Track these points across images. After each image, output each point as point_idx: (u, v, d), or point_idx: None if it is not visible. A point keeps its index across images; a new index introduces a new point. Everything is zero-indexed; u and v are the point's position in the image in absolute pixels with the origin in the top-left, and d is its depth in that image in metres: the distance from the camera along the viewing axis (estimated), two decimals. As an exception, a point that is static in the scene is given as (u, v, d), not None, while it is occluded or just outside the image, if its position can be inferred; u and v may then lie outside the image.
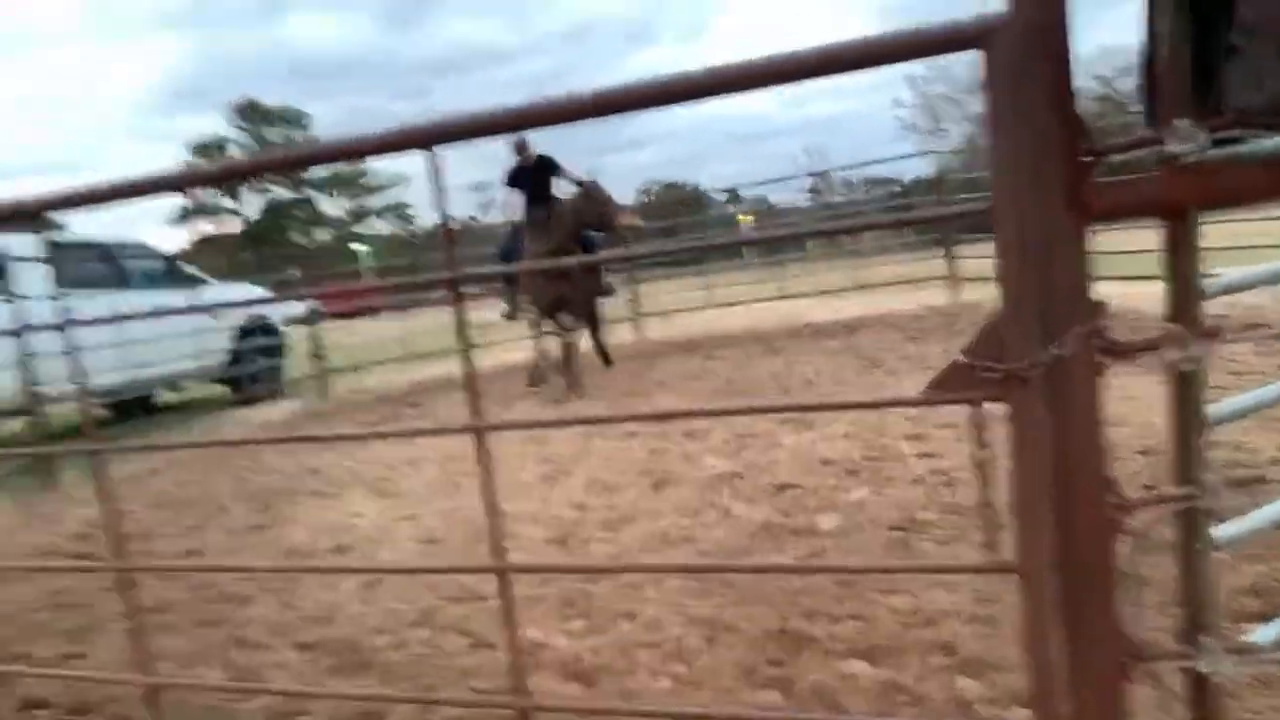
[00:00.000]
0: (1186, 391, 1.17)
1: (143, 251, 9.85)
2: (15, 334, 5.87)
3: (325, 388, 9.53)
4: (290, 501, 4.84)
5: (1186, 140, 1.06)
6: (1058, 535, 1.19)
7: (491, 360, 10.11)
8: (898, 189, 17.86)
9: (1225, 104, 1.09)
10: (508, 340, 11.23)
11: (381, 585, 3.32)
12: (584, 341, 7.85)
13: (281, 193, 60.02)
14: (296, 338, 10.72)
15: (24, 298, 5.84)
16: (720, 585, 2.95)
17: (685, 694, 2.33)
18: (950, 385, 1.15)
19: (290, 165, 1.44)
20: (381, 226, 58.83)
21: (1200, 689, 1.24)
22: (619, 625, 2.78)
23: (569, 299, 7.30)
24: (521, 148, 7.65)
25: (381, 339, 11.22)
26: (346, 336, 12.33)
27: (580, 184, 7.35)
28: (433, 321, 12.87)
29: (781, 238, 10.18)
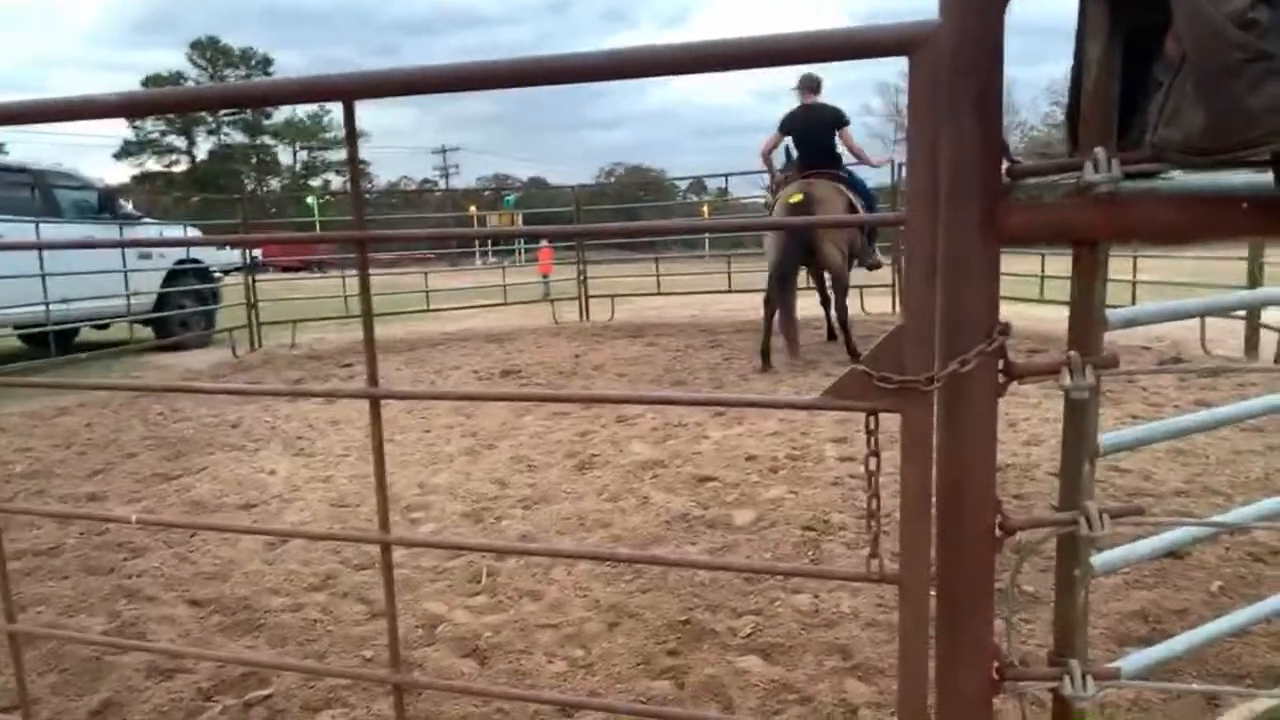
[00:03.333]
0: (1078, 417, 1.18)
1: (75, 182, 9.45)
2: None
3: (256, 340, 9.29)
4: (203, 453, 4.70)
5: (1101, 170, 1.06)
6: (940, 549, 1.20)
7: (444, 327, 10.00)
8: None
9: (1145, 138, 1.10)
10: (459, 308, 11.11)
11: (284, 546, 3.24)
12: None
13: (236, 137, 58.33)
14: (232, 286, 10.43)
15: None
16: (629, 572, 2.94)
17: (578, 678, 2.32)
18: (847, 392, 1.14)
19: (201, 105, 1.37)
20: (337, 181, 57.60)
21: (1064, 708, 1.27)
22: (522, 604, 2.76)
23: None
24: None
25: (322, 296, 10.95)
26: (286, 290, 12.02)
27: None
28: (380, 282, 12.63)
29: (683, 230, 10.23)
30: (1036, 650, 2.29)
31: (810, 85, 6.91)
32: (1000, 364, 1.14)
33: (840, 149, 6.96)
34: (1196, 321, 6.56)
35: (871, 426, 1.17)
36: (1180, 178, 1.20)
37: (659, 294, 11.46)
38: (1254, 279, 6.16)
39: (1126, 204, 1.08)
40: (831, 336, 7.54)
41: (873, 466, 1.18)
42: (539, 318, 10.72)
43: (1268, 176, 1.00)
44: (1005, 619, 1.24)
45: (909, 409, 1.12)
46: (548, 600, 2.78)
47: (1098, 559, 1.27)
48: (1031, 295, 8.46)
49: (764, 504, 3.53)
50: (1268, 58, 0.88)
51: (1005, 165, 1.11)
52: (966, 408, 1.13)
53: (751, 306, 10.70)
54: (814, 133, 6.89)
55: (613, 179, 53.86)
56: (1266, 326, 6.18)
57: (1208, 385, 5.41)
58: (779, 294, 6.50)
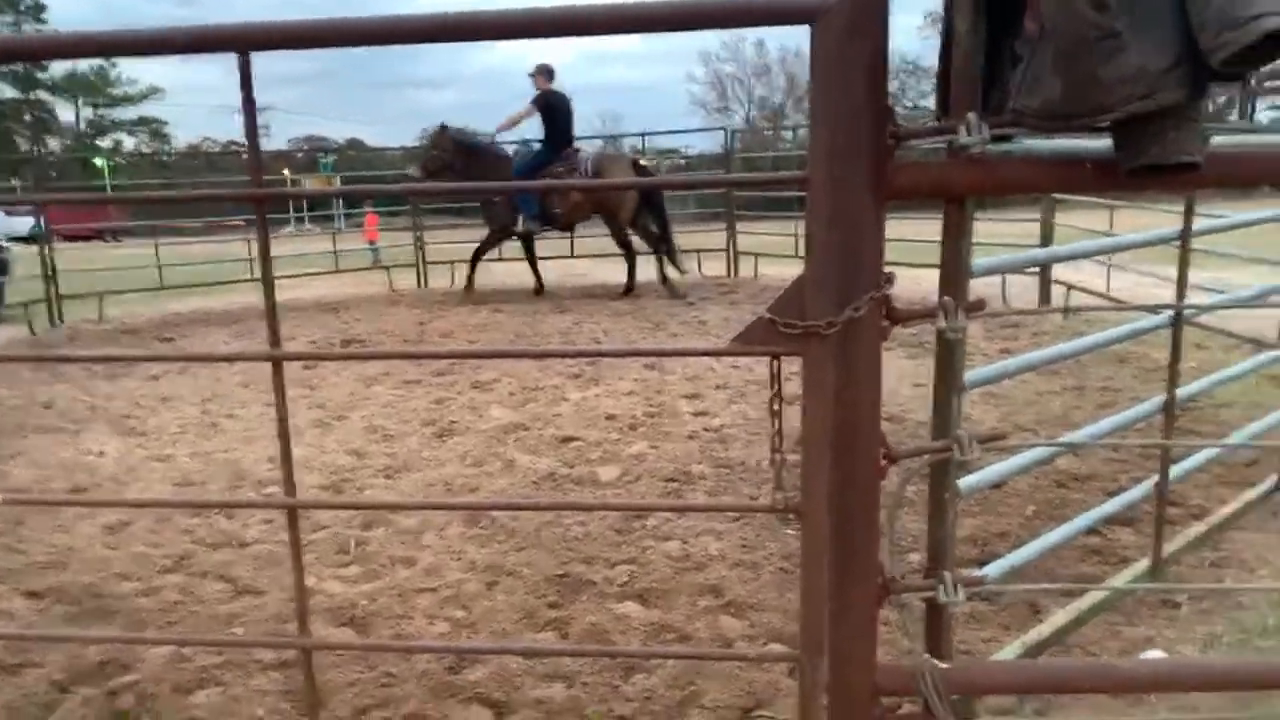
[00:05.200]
0: (949, 357, 1.33)
1: None
2: None
3: (56, 315, 8.46)
4: (15, 436, 4.29)
5: (973, 133, 1.19)
6: (834, 480, 1.32)
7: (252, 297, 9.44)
8: (682, 161, 18.37)
9: (1006, 105, 1.24)
10: (287, 276, 10.52)
11: (127, 529, 3.04)
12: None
13: (5, 91, 52.02)
14: (20, 257, 9.42)
15: None
16: (502, 533, 2.97)
17: (462, 637, 2.34)
18: (755, 339, 1.23)
19: (64, 54, 1.27)
20: (129, 142, 52.59)
21: (935, 618, 1.43)
22: (396, 571, 2.74)
23: None
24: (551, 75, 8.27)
25: (124, 265, 10.06)
26: (83, 260, 10.96)
27: None
28: (184, 251, 11.76)
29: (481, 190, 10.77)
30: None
31: (547, 72, 8.29)
32: (884, 310, 1.26)
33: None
34: (998, 278, 7.24)
35: (775, 370, 1.27)
36: (1032, 142, 1.36)
37: (500, 260, 11.32)
38: (1046, 238, 6.85)
39: (996, 164, 1.22)
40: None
41: (776, 408, 1.28)
42: (373, 286, 10.35)
43: (1108, 142, 1.16)
44: (888, 539, 1.38)
45: (810, 352, 1.22)
46: (422, 566, 2.77)
47: (963, 481, 1.43)
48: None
49: (627, 460, 3.64)
50: (1115, 35, 1.02)
51: (889, 128, 1.22)
52: (857, 350, 1.24)
53: (593, 270, 10.80)
54: (569, 115, 8.46)
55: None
56: (1058, 281, 6.89)
57: (1009, 336, 6.00)
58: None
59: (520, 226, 8.51)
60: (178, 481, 3.55)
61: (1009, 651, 1.71)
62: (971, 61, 1.24)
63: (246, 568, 2.76)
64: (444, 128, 8.45)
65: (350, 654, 2.24)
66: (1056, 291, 6.93)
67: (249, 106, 1.21)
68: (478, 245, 8.88)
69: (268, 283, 1.29)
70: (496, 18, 1.09)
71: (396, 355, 2.47)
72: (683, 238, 10.93)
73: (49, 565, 2.76)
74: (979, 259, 1.42)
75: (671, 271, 8.64)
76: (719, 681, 2.08)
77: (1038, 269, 6.90)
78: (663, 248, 8.69)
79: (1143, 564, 2.09)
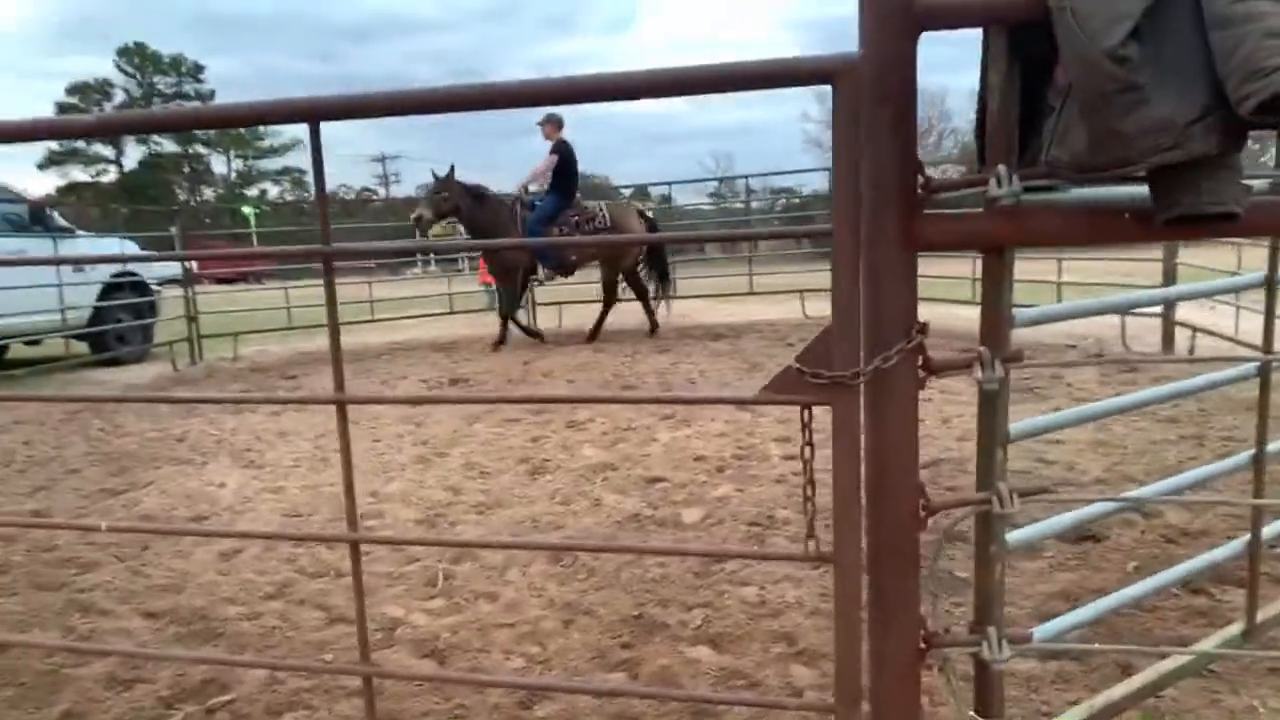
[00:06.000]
0: (990, 407, 1.31)
1: (3, 195, 9.20)
2: None
3: (197, 353, 9.14)
4: (149, 467, 4.66)
5: (1003, 185, 1.19)
6: (870, 530, 1.32)
7: (388, 337, 9.94)
8: (795, 200, 18.35)
9: (1040, 157, 1.23)
10: (403, 318, 11.05)
11: (238, 557, 3.25)
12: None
13: (166, 145, 56.73)
14: (169, 299, 10.24)
15: None
16: (583, 571, 3.03)
17: (535, 673, 2.39)
18: (784, 388, 1.26)
19: (159, 127, 1.43)
20: (273, 190, 56.44)
21: (985, 674, 1.39)
22: (479, 606, 2.82)
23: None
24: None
25: (262, 307, 10.81)
26: (225, 302, 11.83)
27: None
28: (318, 293, 12.48)
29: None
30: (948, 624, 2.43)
31: (558, 121, 8.67)
32: (920, 360, 1.26)
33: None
34: (1118, 320, 6.91)
35: (806, 419, 1.28)
36: (1078, 191, 1.34)
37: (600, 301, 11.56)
38: (1169, 277, 6.50)
39: (1026, 214, 1.21)
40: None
41: (807, 456, 1.30)
42: (485, 327, 10.73)
43: (1145, 189, 1.13)
44: (931, 592, 1.36)
45: (838, 402, 1.24)
46: (503, 601, 2.85)
47: (1012, 536, 1.40)
48: (964, 297, 8.78)
49: (711, 502, 3.65)
50: (1137, 89, 1.01)
51: (920, 180, 1.23)
52: (890, 400, 1.25)
53: (702, 309, 10.88)
54: (576, 163, 8.81)
55: (555, 187, 53.78)
56: (1181, 324, 6.52)
57: (1128, 380, 5.70)
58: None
59: (542, 275, 8.91)
60: (286, 512, 3.78)
61: (1074, 714, 1.64)
62: (1006, 112, 1.24)
63: (341, 597, 2.90)
64: (452, 170, 8.65)
65: (428, 685, 2.33)
66: (1181, 334, 6.55)
67: (318, 170, 1.33)
68: (504, 300, 9.05)
69: (333, 330, 1.40)
70: (515, 88, 1.18)
71: (454, 400, 2.59)
72: (789, 278, 10.90)
73: (167, 588, 2.99)
74: (1040, 306, 1.40)
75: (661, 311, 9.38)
76: (784, 731, 2.06)
77: (1160, 310, 6.55)
78: (659, 292, 9.39)
79: (1236, 627, 1.96)
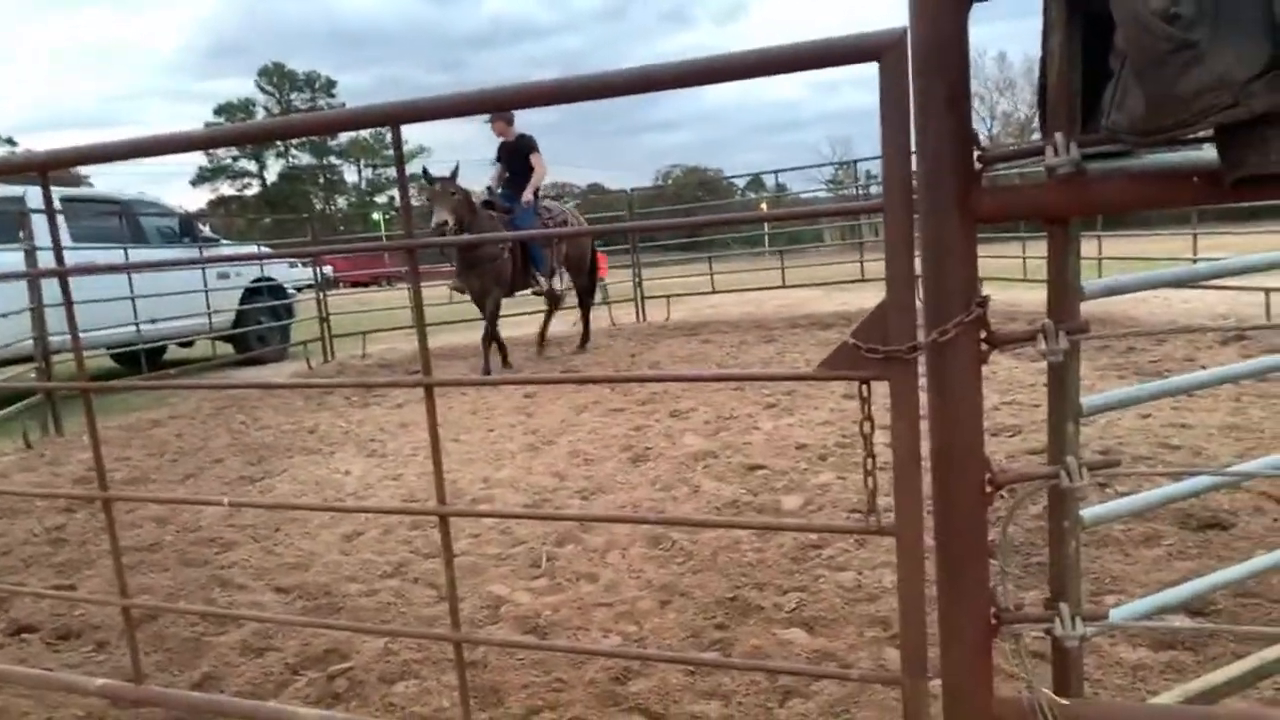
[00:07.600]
0: (1059, 380, 1.29)
1: (158, 209, 10.02)
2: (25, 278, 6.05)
3: (329, 351, 9.70)
4: (283, 457, 5.00)
5: (1060, 154, 1.17)
6: (936, 504, 1.32)
7: (504, 333, 10.24)
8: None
9: (1101, 122, 1.20)
10: (516, 314, 11.36)
11: (360, 538, 3.47)
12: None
13: (303, 158, 60.06)
14: (306, 301, 10.89)
15: (40, 248, 6.01)
16: (680, 555, 3.08)
17: (631, 650, 2.47)
18: (840, 364, 1.27)
19: (258, 138, 1.57)
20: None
21: (1062, 653, 1.37)
22: (580, 586, 2.92)
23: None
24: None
25: (391, 307, 11.36)
26: (357, 303, 12.50)
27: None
28: (442, 293, 12.99)
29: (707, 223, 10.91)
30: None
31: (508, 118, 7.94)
32: (982, 333, 1.26)
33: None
34: (1262, 297, 6.44)
35: (864, 394, 1.30)
36: (1149, 156, 1.29)
37: (714, 292, 11.58)
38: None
39: (1088, 183, 1.19)
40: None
41: (866, 430, 1.31)
42: (597, 321, 10.92)
43: (1214, 152, 1.10)
44: (1000, 567, 1.35)
45: (895, 376, 1.25)
46: (603, 582, 2.94)
47: (1086, 511, 1.37)
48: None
49: (812, 489, 3.64)
50: (1191, 46, 0.99)
51: (976, 153, 1.23)
52: (952, 373, 1.25)
53: (807, 300, 10.75)
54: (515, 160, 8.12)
55: (670, 180, 54.01)
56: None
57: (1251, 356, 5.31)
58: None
59: (544, 286, 8.19)
60: (404, 497, 4.00)
61: (1168, 697, 1.58)
62: (1066, 78, 1.21)
63: (443, 558, 3.06)
64: (456, 170, 7.83)
65: (529, 659, 2.44)
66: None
67: (400, 169, 1.44)
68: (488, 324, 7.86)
69: (420, 322, 1.50)
70: (583, 82, 1.23)
71: (538, 381, 2.68)
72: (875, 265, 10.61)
73: (296, 566, 3.22)
74: (1101, 279, 1.36)
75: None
76: (875, 710, 2.06)
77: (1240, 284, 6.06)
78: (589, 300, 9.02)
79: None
